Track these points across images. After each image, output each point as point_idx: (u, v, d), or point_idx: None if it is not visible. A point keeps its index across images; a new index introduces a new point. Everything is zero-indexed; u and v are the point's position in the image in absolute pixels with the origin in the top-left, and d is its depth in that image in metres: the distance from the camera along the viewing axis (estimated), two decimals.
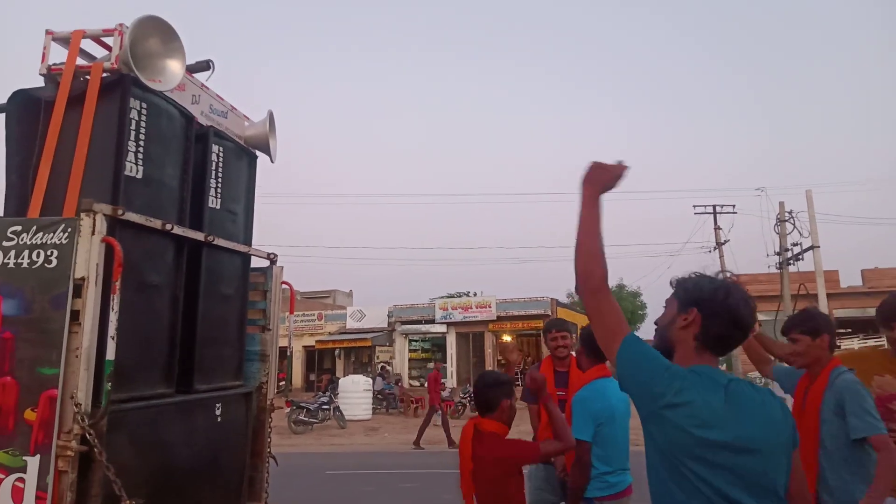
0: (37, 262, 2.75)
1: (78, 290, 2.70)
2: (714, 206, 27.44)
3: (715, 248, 26.98)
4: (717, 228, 27.21)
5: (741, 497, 1.58)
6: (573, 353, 4.27)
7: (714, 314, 1.73)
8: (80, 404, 2.63)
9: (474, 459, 2.86)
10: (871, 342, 21.27)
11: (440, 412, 14.62)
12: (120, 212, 2.88)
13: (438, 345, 29.99)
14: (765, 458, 1.62)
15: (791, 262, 22.83)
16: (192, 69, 3.86)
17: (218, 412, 3.70)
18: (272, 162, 4.53)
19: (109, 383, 2.68)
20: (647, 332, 34.83)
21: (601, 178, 1.88)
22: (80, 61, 3.25)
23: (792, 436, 1.73)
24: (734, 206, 27.22)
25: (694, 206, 27.89)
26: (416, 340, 30.62)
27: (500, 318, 28.11)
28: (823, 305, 20.70)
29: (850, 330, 26.96)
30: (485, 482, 2.84)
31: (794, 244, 22.67)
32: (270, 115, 4.48)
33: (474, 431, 2.94)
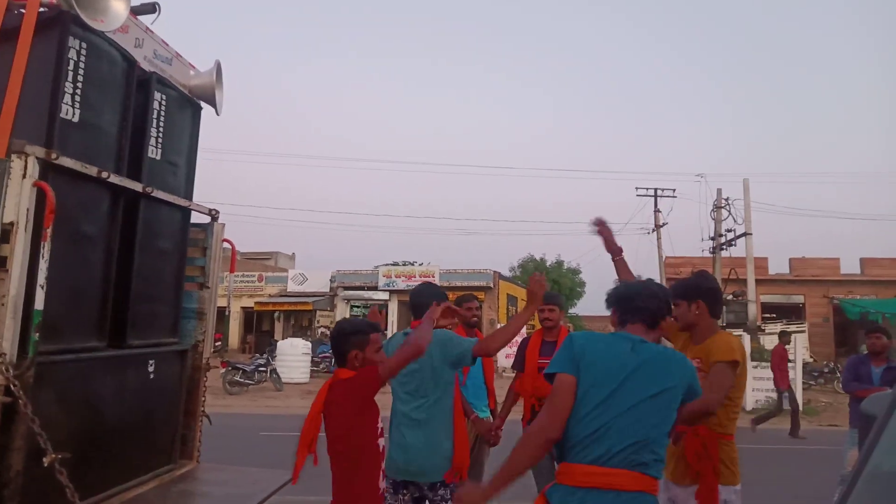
0: None
1: (6, 236, 2.57)
2: (655, 190, 28.13)
3: (653, 231, 27.72)
4: (657, 211, 27.92)
5: None
6: (563, 325, 4.64)
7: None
8: (5, 354, 2.52)
9: (325, 406, 2.59)
10: (792, 327, 22.37)
11: (787, 395, 12.24)
12: (54, 156, 2.74)
13: (380, 312, 29.99)
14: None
15: (724, 247, 23.73)
16: (136, 11, 3.69)
17: (151, 369, 3.63)
18: (218, 114, 4.39)
19: (37, 334, 2.59)
20: (584, 307, 35.62)
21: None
22: None
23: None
24: (674, 190, 27.98)
25: (636, 189, 28.58)
26: (357, 306, 30.54)
27: (442, 289, 28.26)
28: (752, 290, 21.64)
29: (774, 315, 28.31)
30: (335, 427, 2.59)
31: (729, 230, 23.55)
32: (218, 66, 4.33)
33: (329, 387, 2.66)
